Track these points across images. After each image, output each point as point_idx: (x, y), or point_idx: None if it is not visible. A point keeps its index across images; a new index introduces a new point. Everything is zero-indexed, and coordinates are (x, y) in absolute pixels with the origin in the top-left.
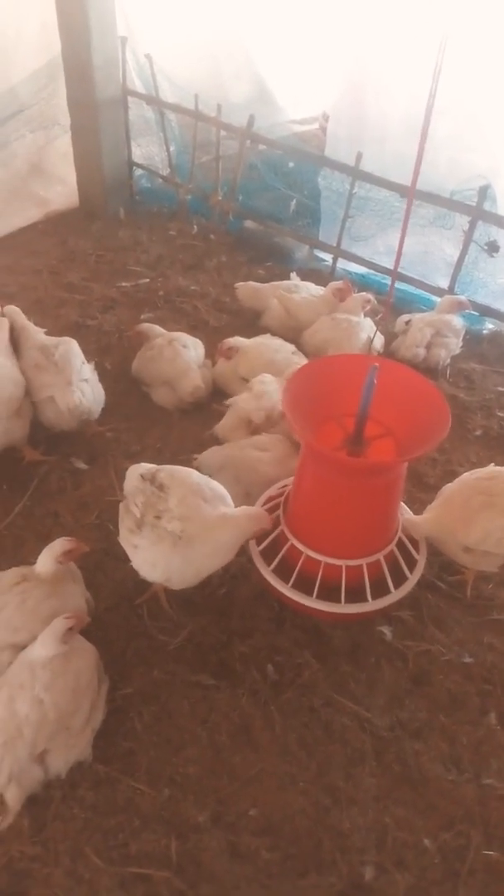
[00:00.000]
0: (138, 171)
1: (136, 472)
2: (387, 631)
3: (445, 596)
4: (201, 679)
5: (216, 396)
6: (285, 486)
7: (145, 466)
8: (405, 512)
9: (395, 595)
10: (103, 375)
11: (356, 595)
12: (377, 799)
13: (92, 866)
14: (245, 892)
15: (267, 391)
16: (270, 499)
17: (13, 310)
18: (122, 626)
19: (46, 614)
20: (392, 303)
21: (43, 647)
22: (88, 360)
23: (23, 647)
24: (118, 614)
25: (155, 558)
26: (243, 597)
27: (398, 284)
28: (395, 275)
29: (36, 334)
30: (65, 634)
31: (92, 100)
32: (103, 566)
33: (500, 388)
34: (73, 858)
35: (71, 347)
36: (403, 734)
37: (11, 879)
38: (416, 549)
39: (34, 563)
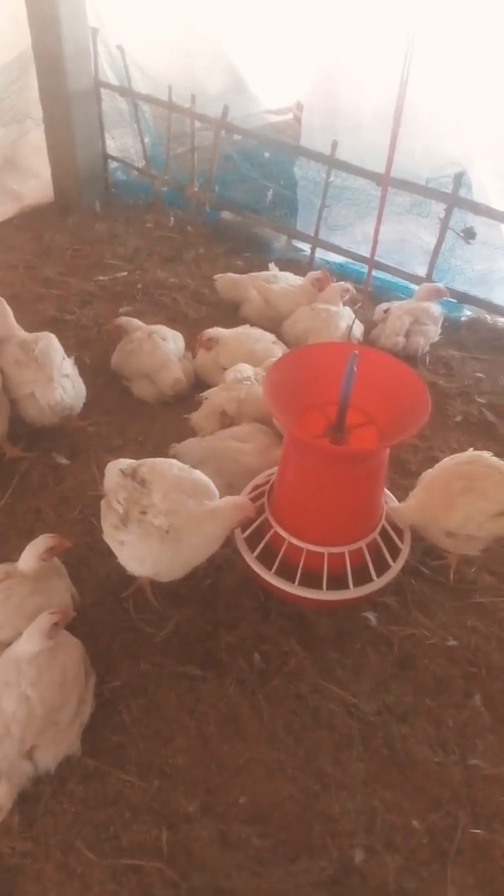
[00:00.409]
0: (113, 164)
1: (116, 468)
2: (371, 616)
3: (429, 580)
4: (188, 670)
5: (198, 388)
6: (271, 474)
7: (125, 462)
8: (390, 500)
9: (378, 583)
10: (83, 370)
11: (341, 582)
12: (365, 783)
13: (83, 859)
14: (237, 880)
15: (239, 380)
16: (256, 487)
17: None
18: (107, 620)
19: (31, 610)
20: (370, 291)
21: (28, 643)
22: (68, 355)
23: (7, 643)
24: (103, 608)
25: (142, 553)
26: (228, 587)
27: (376, 273)
28: (372, 263)
29: (15, 331)
30: (50, 630)
31: (64, 92)
32: (87, 561)
33: (478, 375)
34: (65, 852)
35: (51, 343)
36: (390, 718)
37: (3, 876)
38: (401, 537)
39: (17, 559)
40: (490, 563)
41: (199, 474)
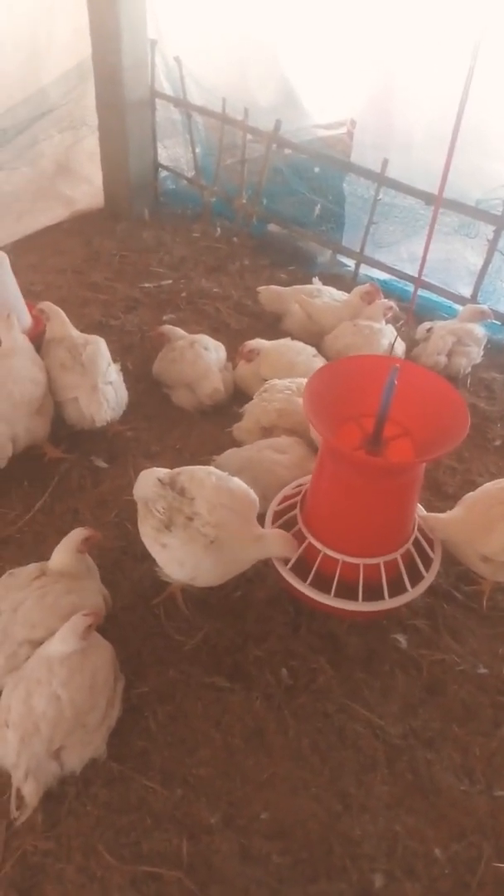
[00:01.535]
0: (164, 173)
1: (152, 476)
2: (402, 639)
3: (461, 606)
4: (216, 681)
5: (237, 398)
6: (300, 485)
7: (161, 471)
8: (420, 511)
9: (412, 593)
10: (125, 375)
11: (373, 595)
12: (389, 807)
13: (104, 863)
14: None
15: (275, 396)
16: (286, 498)
17: (50, 306)
18: (138, 625)
19: (65, 611)
20: (413, 310)
21: (62, 644)
22: (112, 361)
23: (40, 642)
24: (135, 613)
25: (184, 557)
26: (259, 600)
27: (421, 292)
28: (420, 282)
29: (69, 332)
30: (84, 631)
31: (120, 101)
32: (121, 564)
33: None
34: (86, 855)
35: (99, 348)
36: (416, 743)
37: (25, 873)
38: (432, 548)
39: None
40: None
41: (237, 482)
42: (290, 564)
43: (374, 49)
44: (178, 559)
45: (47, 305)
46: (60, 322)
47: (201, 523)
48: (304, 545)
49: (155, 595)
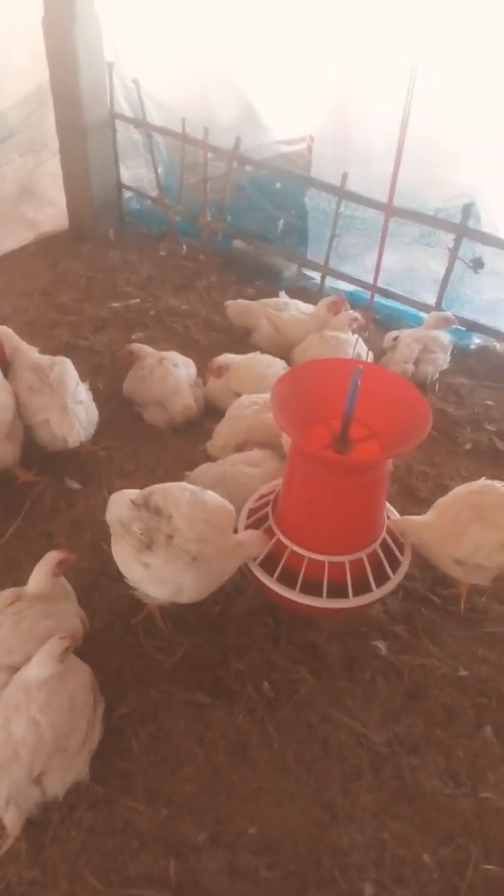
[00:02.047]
0: (127, 193)
1: (124, 499)
2: (381, 646)
3: (439, 610)
4: (197, 697)
5: (209, 414)
6: (276, 485)
7: (132, 493)
8: (392, 514)
9: (377, 593)
10: (95, 395)
11: (341, 594)
12: (375, 815)
13: (91, 889)
14: None
15: (243, 413)
16: (262, 496)
17: (5, 331)
18: (117, 646)
19: (42, 635)
20: (375, 317)
21: (39, 668)
22: (81, 381)
23: (18, 668)
24: (113, 633)
25: (167, 576)
26: (238, 614)
27: (386, 301)
28: (374, 288)
29: (28, 353)
30: (61, 654)
31: (80, 123)
32: (98, 585)
33: (488, 402)
34: (72, 881)
35: (66, 368)
36: (400, 749)
37: None
38: (402, 551)
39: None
40: (501, 593)
41: (211, 494)
42: (258, 560)
43: (331, 64)
44: (160, 578)
45: (1, 330)
46: (15, 344)
47: (182, 540)
48: (272, 541)
49: (133, 615)
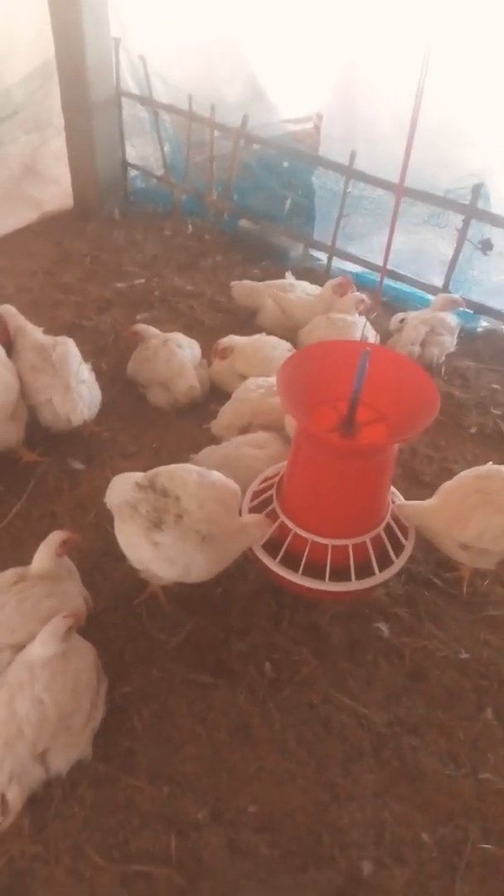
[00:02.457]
0: (133, 172)
1: (128, 481)
2: (384, 628)
3: (442, 593)
4: (200, 677)
5: (213, 395)
6: (281, 468)
7: (136, 475)
8: (397, 498)
9: (379, 577)
10: (99, 376)
11: (346, 576)
12: (375, 795)
13: (93, 864)
14: (245, 888)
15: (249, 395)
16: (266, 479)
17: (8, 309)
18: (120, 626)
19: (45, 614)
20: (383, 300)
21: (42, 647)
22: (85, 361)
23: (21, 647)
24: (117, 614)
25: (177, 555)
26: (241, 595)
27: (393, 283)
28: (385, 270)
29: (32, 333)
30: (64, 633)
31: (86, 101)
32: (101, 566)
33: (494, 386)
34: (74, 857)
35: (68, 348)
36: (401, 730)
37: (13, 879)
38: (406, 535)
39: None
40: (503, 576)
41: (217, 475)
42: (261, 542)
43: (339, 41)
44: (170, 557)
45: (4, 308)
46: (19, 324)
47: (192, 520)
48: (276, 524)
49: (136, 595)
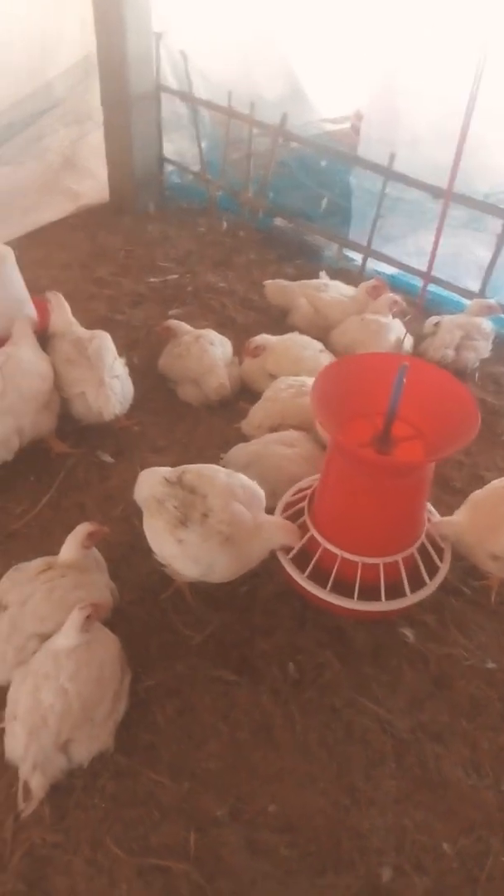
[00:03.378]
0: (169, 167)
1: (156, 475)
2: (409, 633)
3: (469, 601)
4: (223, 674)
5: (244, 393)
6: (315, 479)
7: (165, 470)
8: (433, 516)
9: (410, 599)
10: (131, 370)
11: (376, 594)
12: (397, 801)
13: (112, 856)
14: (262, 888)
15: (279, 395)
16: (300, 490)
17: (57, 296)
18: (146, 620)
19: (73, 605)
20: (422, 305)
21: (65, 638)
22: (118, 355)
23: (49, 636)
24: (142, 608)
25: (200, 554)
26: (266, 595)
27: (429, 286)
28: (428, 277)
29: (72, 326)
30: (84, 624)
31: (125, 95)
32: (128, 559)
33: None
34: (94, 847)
35: (104, 342)
36: (424, 737)
37: (33, 865)
38: (441, 556)
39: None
40: None
41: (244, 478)
42: (291, 555)
43: (380, 44)
44: (194, 556)
45: (53, 295)
46: (64, 314)
47: (216, 520)
48: (306, 537)
49: (162, 589)
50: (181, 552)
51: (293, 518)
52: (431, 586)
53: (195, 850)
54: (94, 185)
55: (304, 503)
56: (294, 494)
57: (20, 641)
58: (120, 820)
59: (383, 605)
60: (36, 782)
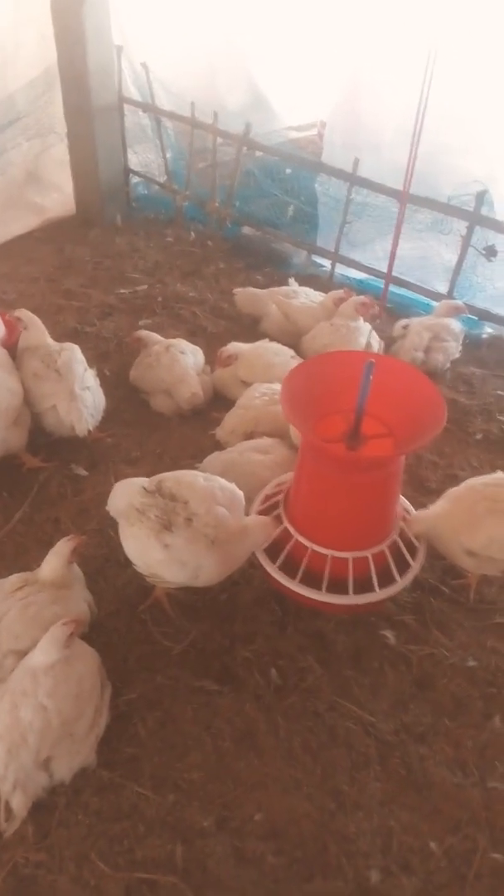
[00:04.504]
0: (135, 178)
1: (134, 485)
2: (390, 635)
3: (448, 600)
4: (205, 684)
5: (216, 401)
6: (281, 483)
7: (141, 480)
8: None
9: (379, 594)
10: (102, 382)
11: (345, 589)
12: (382, 803)
13: (98, 872)
14: None
15: (252, 403)
16: (268, 497)
17: (28, 315)
18: (124, 632)
19: (49, 621)
20: (388, 306)
21: (44, 654)
22: (88, 367)
23: (25, 653)
24: (120, 620)
25: (188, 557)
26: (245, 601)
27: (397, 289)
28: (389, 278)
29: (46, 341)
30: (66, 640)
31: (88, 107)
32: (104, 572)
33: (499, 392)
34: (79, 864)
35: (74, 354)
36: (408, 738)
37: (17, 886)
38: (413, 555)
39: (36, 569)
40: None
41: (222, 480)
42: (263, 546)
43: (341, 50)
44: (181, 560)
45: (24, 314)
46: (38, 331)
47: (202, 524)
48: (279, 529)
49: (140, 601)
50: (168, 557)
51: (269, 510)
52: (402, 583)
53: (182, 862)
54: (59, 198)
55: (281, 496)
56: (274, 487)
57: None
58: (104, 835)
59: (350, 599)
60: (17, 801)
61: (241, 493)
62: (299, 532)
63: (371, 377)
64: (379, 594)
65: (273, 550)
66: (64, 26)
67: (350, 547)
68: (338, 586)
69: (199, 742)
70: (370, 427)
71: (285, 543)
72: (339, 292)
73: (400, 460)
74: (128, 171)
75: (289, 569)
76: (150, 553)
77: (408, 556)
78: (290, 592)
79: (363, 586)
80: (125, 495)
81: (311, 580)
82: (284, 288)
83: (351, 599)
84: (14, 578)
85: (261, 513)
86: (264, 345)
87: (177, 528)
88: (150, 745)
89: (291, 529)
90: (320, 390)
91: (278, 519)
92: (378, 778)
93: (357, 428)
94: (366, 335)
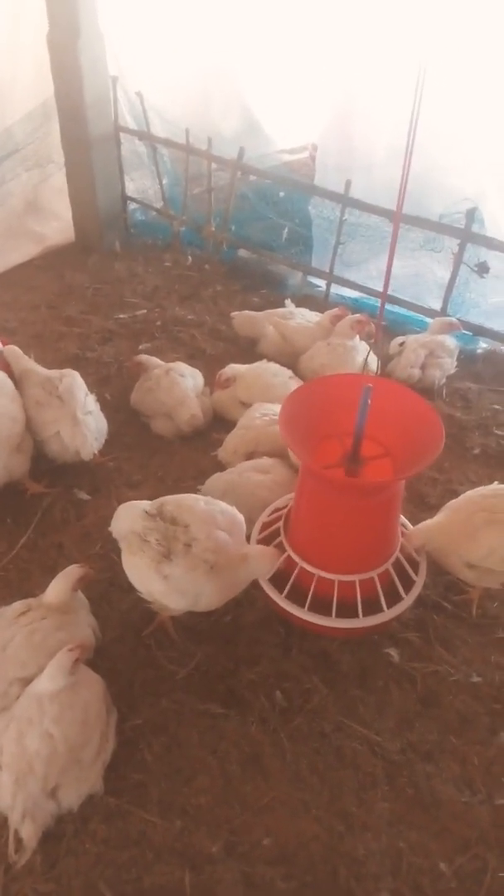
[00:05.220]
0: (132, 205)
1: (136, 509)
2: (394, 653)
3: (451, 616)
4: (210, 708)
5: (216, 423)
6: (290, 499)
7: (143, 504)
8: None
9: (387, 614)
10: (103, 406)
11: (354, 612)
12: (391, 824)
13: None
14: None
15: (252, 423)
16: (277, 510)
17: (13, 351)
18: (128, 657)
19: (55, 647)
20: (385, 324)
21: (50, 681)
22: (89, 392)
23: (30, 680)
24: (125, 645)
25: (187, 586)
26: (249, 623)
27: (392, 307)
28: (385, 296)
29: (36, 370)
30: (71, 667)
31: (85, 137)
32: (108, 597)
33: (496, 407)
34: (87, 893)
35: (75, 380)
36: (414, 757)
37: None
38: (416, 570)
39: (39, 594)
40: None
41: (223, 504)
42: (268, 575)
43: (330, 73)
44: (181, 589)
45: (9, 349)
46: (24, 366)
47: (201, 549)
48: (283, 557)
49: (144, 625)
50: (167, 587)
51: (269, 539)
52: (408, 600)
53: (190, 889)
54: (58, 226)
55: (280, 523)
56: (271, 514)
57: (2, 687)
58: (112, 863)
59: (361, 622)
60: (27, 831)
61: (241, 518)
62: (303, 558)
63: (368, 401)
64: (388, 613)
65: (277, 578)
66: (60, 60)
67: (356, 569)
68: (344, 609)
69: (205, 766)
70: (367, 448)
71: (290, 571)
72: (336, 310)
73: (400, 482)
74: (125, 198)
75: (293, 594)
76: (151, 584)
77: (410, 572)
78: (295, 617)
79: (369, 606)
80: (128, 518)
81: (317, 604)
82: (281, 309)
83: (362, 622)
84: (18, 605)
85: (260, 542)
86: (262, 365)
87: (176, 556)
88: (157, 770)
89: (295, 557)
90: (316, 414)
91: (280, 547)
92: (386, 798)
93: (356, 451)
94: (362, 354)
